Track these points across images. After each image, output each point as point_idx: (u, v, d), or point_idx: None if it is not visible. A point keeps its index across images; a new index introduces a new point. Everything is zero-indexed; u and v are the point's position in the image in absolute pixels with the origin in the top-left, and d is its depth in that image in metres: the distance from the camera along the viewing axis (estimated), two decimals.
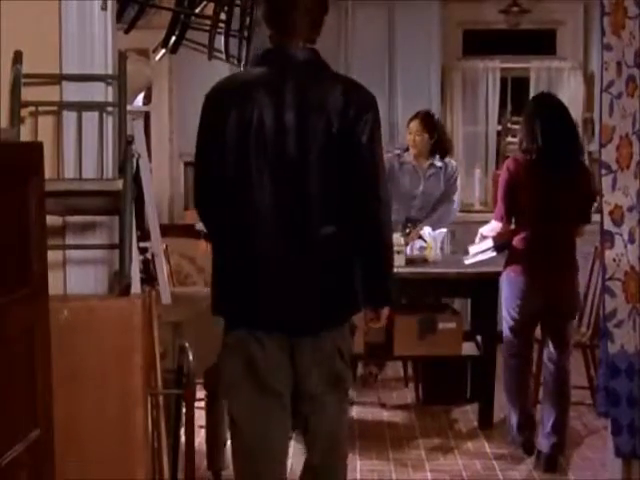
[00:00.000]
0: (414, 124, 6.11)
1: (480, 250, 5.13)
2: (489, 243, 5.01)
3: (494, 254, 5.01)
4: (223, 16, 5.17)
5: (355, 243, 3.10)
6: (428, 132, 6.09)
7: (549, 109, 4.79)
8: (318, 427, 3.17)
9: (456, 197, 6.22)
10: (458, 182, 6.25)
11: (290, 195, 3.01)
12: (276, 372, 3.06)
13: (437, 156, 6.13)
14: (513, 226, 4.86)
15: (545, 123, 4.66)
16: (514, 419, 4.90)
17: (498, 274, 5.03)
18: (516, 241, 4.80)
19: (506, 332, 4.92)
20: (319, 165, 2.99)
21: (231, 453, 3.23)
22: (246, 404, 3.10)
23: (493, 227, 4.98)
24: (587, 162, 7.71)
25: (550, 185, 4.68)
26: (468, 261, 5.28)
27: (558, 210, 4.69)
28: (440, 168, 6.14)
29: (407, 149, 6.19)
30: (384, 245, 3.19)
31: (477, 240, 5.22)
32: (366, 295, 3.20)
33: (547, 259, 4.72)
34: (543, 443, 4.74)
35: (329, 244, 3.03)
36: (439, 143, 6.14)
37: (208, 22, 5.15)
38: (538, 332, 5.00)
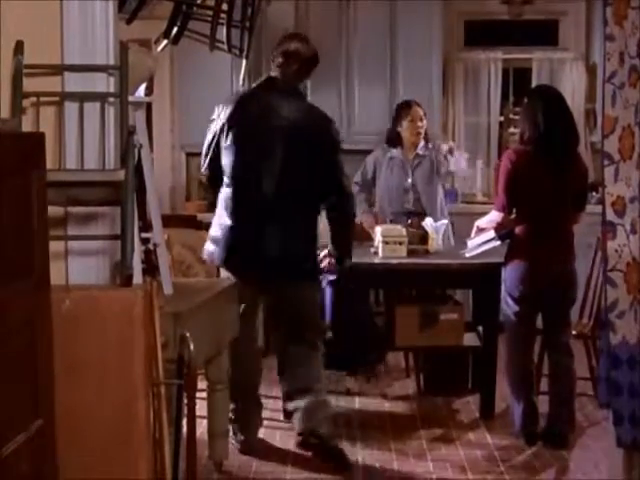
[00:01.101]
0: (417, 111, 6.12)
1: (482, 241, 5.16)
2: (491, 234, 5.05)
3: (498, 243, 5.05)
4: (225, 7, 5.17)
5: (330, 218, 4.54)
6: (425, 116, 6.16)
7: (550, 99, 4.87)
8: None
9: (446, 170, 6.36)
10: (448, 158, 6.31)
11: (274, 186, 4.31)
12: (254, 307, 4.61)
13: (421, 144, 6.17)
14: (513, 216, 4.90)
15: (547, 113, 4.75)
16: (518, 410, 4.91)
17: (500, 265, 5.05)
18: (518, 230, 4.84)
19: (510, 319, 4.94)
20: (296, 167, 4.32)
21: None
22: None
23: (492, 218, 5.03)
24: (589, 153, 7.77)
25: (551, 174, 4.76)
26: (470, 254, 5.28)
27: (558, 198, 4.79)
28: (424, 156, 6.18)
29: (395, 145, 6.19)
30: (348, 219, 4.62)
31: (473, 234, 5.27)
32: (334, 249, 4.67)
33: (549, 246, 4.81)
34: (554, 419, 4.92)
35: (297, 222, 4.41)
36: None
37: (210, 13, 5.15)
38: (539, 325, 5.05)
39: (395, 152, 6.20)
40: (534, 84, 7.96)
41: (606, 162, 3.76)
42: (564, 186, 4.79)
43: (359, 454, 4.78)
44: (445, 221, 5.79)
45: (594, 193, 7.35)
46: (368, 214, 6.24)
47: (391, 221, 5.95)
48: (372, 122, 6.61)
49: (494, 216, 5.00)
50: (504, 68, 8.16)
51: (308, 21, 7.71)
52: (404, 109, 6.17)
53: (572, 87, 7.99)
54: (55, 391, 2.62)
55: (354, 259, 4.88)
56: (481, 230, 5.18)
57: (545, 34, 8.20)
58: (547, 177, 4.76)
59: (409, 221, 5.95)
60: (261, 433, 5.01)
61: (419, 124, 6.11)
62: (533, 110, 4.79)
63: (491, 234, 5.06)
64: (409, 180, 6.16)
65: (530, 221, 4.84)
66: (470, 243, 5.29)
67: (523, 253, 4.84)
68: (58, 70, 3.50)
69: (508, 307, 4.94)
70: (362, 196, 6.30)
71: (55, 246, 3.16)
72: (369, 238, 5.80)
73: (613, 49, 3.72)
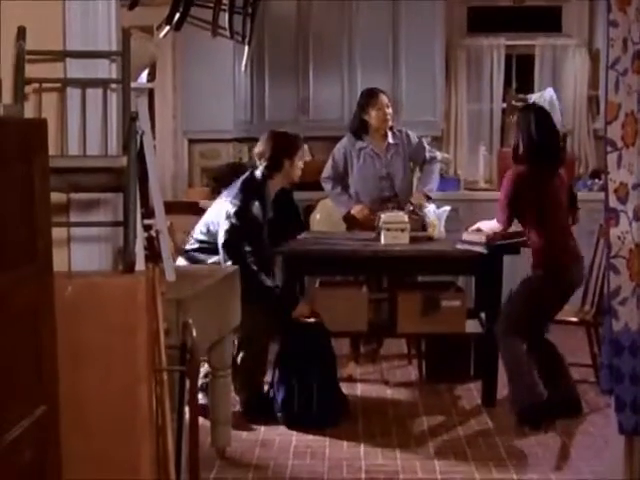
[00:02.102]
0: (383, 98, 6.09)
1: (473, 241, 5.31)
2: (482, 238, 5.23)
3: (484, 252, 5.21)
4: None
5: None
6: (390, 104, 6.13)
7: (541, 114, 5.14)
8: None
9: (432, 152, 6.34)
10: (419, 139, 6.29)
11: None
12: None
13: (390, 134, 6.16)
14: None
15: (538, 126, 5.01)
16: (523, 395, 4.95)
17: (502, 251, 5.14)
18: (537, 244, 5.05)
19: (524, 324, 5.08)
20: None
21: None
22: None
23: (493, 227, 5.22)
24: (592, 139, 7.80)
25: (552, 185, 5.06)
26: (459, 246, 5.35)
27: (561, 205, 5.09)
28: (397, 144, 6.17)
29: (358, 133, 6.18)
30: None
31: (470, 230, 5.42)
32: None
33: (567, 249, 5.08)
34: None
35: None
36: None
37: None
38: None
39: (364, 142, 6.17)
40: (537, 71, 7.98)
41: (609, 149, 3.75)
42: (561, 193, 5.09)
43: (361, 440, 4.79)
44: (448, 208, 5.78)
45: (597, 180, 7.35)
46: (356, 203, 6.22)
47: (372, 209, 5.98)
48: None
49: (495, 226, 5.20)
50: (507, 54, 8.14)
51: (310, 8, 7.71)
52: (370, 98, 6.11)
53: (575, 74, 7.99)
54: (58, 377, 2.63)
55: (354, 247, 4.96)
56: (480, 230, 5.33)
57: (548, 20, 8.18)
58: (550, 188, 5.03)
59: (411, 207, 5.96)
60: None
61: (387, 111, 6.09)
62: (527, 123, 5.02)
63: (483, 238, 5.23)
64: (384, 169, 6.15)
65: (546, 232, 5.03)
66: (464, 236, 5.41)
67: (552, 262, 5.03)
68: (60, 56, 3.49)
69: (531, 314, 5.05)
70: (338, 189, 6.25)
71: (58, 233, 3.16)
72: (371, 227, 5.79)
73: (617, 35, 3.70)
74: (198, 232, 5.22)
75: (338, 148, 6.27)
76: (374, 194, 6.14)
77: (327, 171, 6.27)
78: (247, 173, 5.31)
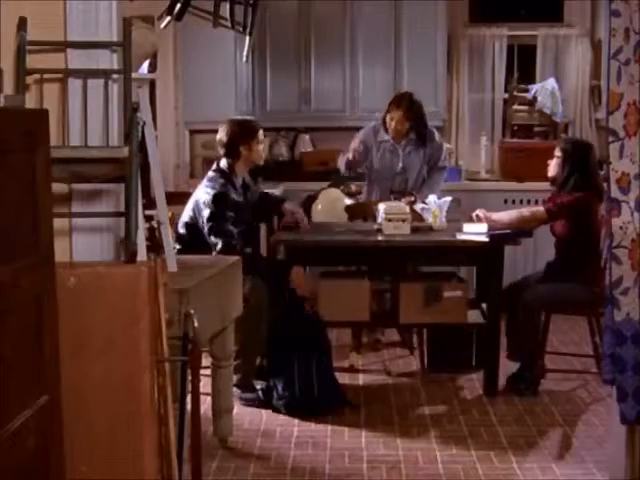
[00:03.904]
0: (397, 114, 6.07)
1: (474, 231, 5.39)
2: (484, 228, 5.34)
3: (486, 240, 5.27)
4: None
5: None
6: (409, 120, 6.10)
7: (580, 152, 5.55)
8: None
9: (446, 161, 6.40)
10: (442, 143, 6.36)
11: None
12: None
13: (412, 132, 6.17)
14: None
15: (575, 163, 5.47)
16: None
17: (503, 242, 5.19)
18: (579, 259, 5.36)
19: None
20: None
21: None
22: None
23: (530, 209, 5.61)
24: (594, 130, 7.81)
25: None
26: (459, 236, 5.37)
27: None
28: (417, 140, 6.18)
29: (384, 126, 6.18)
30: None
31: (475, 213, 5.52)
32: None
33: None
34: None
35: None
36: (417, 127, 6.17)
37: None
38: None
39: (385, 136, 6.19)
40: (539, 61, 7.98)
41: (611, 139, 3.74)
42: None
43: (363, 430, 4.80)
44: (449, 198, 5.78)
45: (599, 170, 7.34)
46: (366, 197, 6.28)
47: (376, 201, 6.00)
48: (376, 100, 6.60)
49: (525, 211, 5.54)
50: (509, 44, 8.12)
51: None
52: (390, 103, 6.15)
53: (577, 64, 7.97)
54: (60, 367, 2.63)
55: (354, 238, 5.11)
56: (479, 220, 5.43)
57: (550, 10, 8.15)
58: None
59: (412, 198, 5.96)
60: (264, 411, 5.04)
61: (397, 126, 6.09)
62: (567, 161, 5.46)
63: (484, 228, 5.33)
64: (400, 164, 6.18)
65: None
66: (465, 227, 5.46)
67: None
68: (62, 47, 3.49)
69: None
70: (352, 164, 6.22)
71: (59, 223, 3.17)
72: (373, 218, 5.80)
73: (619, 25, 3.69)
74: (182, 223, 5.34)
75: (359, 136, 6.24)
76: (384, 188, 6.18)
77: (354, 143, 6.19)
78: (214, 164, 5.46)
